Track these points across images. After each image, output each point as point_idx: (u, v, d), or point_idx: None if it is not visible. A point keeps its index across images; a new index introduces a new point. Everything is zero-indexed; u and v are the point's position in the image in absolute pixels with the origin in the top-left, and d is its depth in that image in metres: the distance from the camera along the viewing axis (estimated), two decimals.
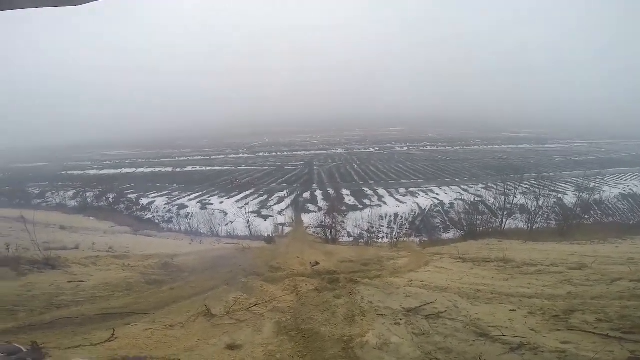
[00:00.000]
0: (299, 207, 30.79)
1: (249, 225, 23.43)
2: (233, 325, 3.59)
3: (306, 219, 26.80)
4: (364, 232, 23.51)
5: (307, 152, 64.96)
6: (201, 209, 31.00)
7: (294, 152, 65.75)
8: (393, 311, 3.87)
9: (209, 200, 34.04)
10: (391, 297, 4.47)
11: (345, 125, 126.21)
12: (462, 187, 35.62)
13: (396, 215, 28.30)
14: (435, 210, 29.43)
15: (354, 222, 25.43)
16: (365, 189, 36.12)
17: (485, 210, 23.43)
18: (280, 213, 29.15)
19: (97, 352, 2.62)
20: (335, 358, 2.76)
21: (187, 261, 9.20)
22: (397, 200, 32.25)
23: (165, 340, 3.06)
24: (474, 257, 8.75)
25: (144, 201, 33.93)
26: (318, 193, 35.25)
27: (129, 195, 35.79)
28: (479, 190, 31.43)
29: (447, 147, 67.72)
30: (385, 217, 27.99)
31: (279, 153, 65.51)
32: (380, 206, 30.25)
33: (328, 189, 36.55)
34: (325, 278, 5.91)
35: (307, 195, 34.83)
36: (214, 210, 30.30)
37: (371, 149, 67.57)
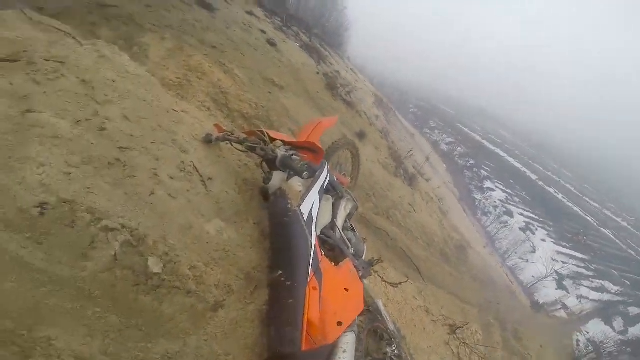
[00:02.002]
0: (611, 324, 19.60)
1: (539, 281, 19.23)
2: (449, 353, 3.32)
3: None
4: None
5: None
6: (520, 229, 27.71)
7: None
8: None
9: (536, 227, 29.50)
10: None
11: None
12: None
13: None
14: None
15: None
16: None
17: None
18: (581, 309, 20.19)
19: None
20: None
21: (475, 260, 9.01)
22: None
23: (403, 319, 3.29)
24: None
25: (486, 184, 34.54)
26: None
27: (482, 171, 37.51)
28: None
29: None
30: None
31: None
32: None
33: None
34: None
35: None
36: (529, 239, 26.57)
37: None
